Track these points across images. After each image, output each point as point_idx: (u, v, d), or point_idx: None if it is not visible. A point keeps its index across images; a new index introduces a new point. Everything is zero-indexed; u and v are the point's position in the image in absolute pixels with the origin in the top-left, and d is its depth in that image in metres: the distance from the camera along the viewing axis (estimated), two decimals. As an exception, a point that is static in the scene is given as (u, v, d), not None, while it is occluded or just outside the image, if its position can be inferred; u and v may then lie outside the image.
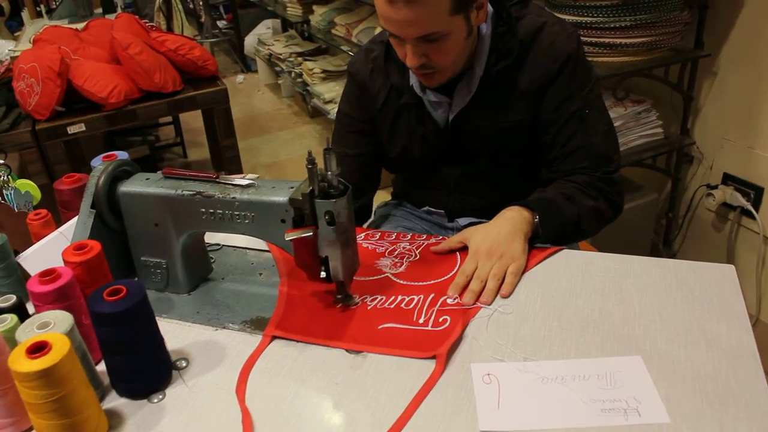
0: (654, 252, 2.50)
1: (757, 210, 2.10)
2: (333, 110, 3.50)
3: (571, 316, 0.99)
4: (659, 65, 2.10)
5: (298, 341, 0.98)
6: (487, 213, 1.40)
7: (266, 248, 1.22)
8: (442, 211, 1.45)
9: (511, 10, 1.23)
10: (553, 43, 1.21)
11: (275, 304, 1.07)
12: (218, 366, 0.95)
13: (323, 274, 0.99)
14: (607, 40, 1.95)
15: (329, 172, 0.93)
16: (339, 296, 1.04)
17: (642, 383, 0.85)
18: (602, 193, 1.25)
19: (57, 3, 3.94)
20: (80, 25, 3.03)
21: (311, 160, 0.92)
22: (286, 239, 0.95)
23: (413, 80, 1.28)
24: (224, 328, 1.03)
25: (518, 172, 1.35)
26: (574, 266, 1.11)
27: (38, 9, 4.07)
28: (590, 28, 1.94)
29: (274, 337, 0.99)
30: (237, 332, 1.02)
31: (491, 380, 0.87)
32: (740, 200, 2.13)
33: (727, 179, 2.19)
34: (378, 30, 3.03)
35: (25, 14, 4.03)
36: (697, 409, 0.80)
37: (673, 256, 2.50)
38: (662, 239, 2.50)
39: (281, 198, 0.97)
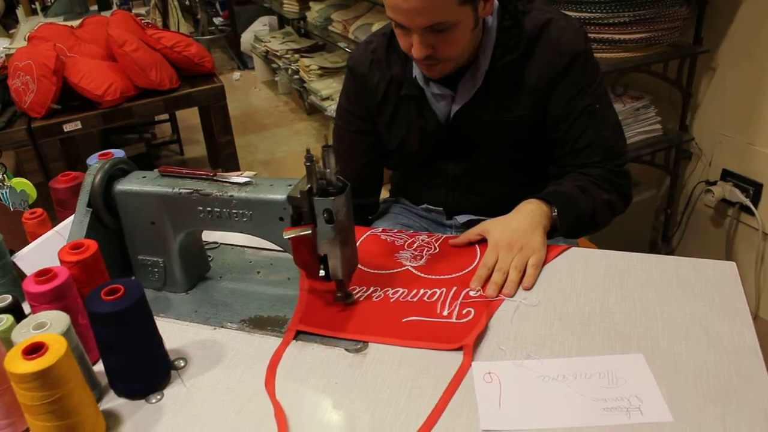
0: (653, 248, 2.50)
1: (756, 206, 2.09)
2: (330, 107, 3.48)
3: (571, 314, 0.98)
4: (658, 61, 2.09)
5: (321, 335, 0.97)
6: (486, 210, 1.40)
7: (264, 246, 1.21)
8: (441, 208, 1.45)
9: (517, 5, 1.22)
10: (560, 39, 1.21)
11: (274, 303, 1.06)
12: (217, 365, 0.94)
13: (322, 273, 0.99)
14: (605, 36, 1.95)
15: (328, 170, 0.92)
16: (338, 294, 1.03)
17: (644, 381, 0.84)
18: (614, 185, 1.25)
19: (52, 0, 3.93)
20: (75, 23, 3.02)
21: (310, 158, 0.91)
22: (285, 237, 0.94)
23: (416, 72, 1.27)
24: (222, 327, 1.02)
25: (518, 169, 1.35)
26: (575, 263, 1.10)
27: (33, 6, 4.06)
28: (589, 24, 1.93)
29: (299, 332, 0.98)
30: (235, 331, 1.01)
31: (492, 379, 0.86)
32: (739, 196, 2.12)
33: (726, 175, 2.18)
34: (375, 26, 3.02)
35: (20, 11, 4.01)
36: (699, 407, 0.80)
37: (671, 252, 2.50)
38: (661, 235, 2.50)
39: (279, 196, 0.96)
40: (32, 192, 1.39)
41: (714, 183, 2.21)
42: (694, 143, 2.28)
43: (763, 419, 0.78)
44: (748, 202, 2.10)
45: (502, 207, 1.36)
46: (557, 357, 0.90)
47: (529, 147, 1.31)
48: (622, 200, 1.28)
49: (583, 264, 1.10)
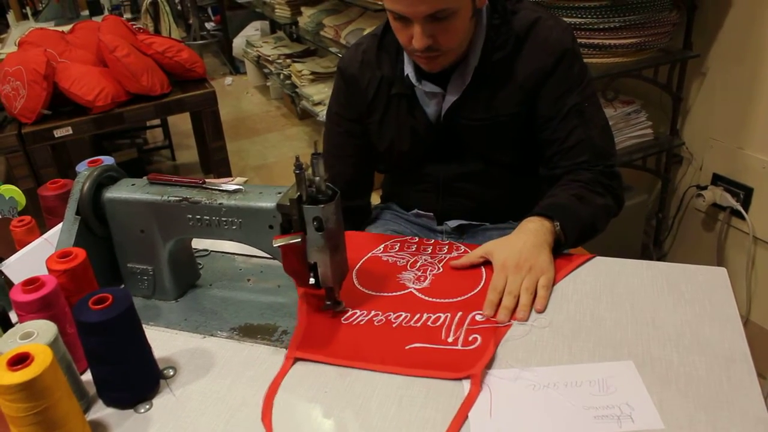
0: (644, 253, 2.50)
1: (746, 210, 2.10)
2: (322, 112, 3.48)
3: (562, 321, 0.98)
4: (648, 66, 2.10)
5: (320, 362, 0.94)
6: (476, 215, 1.39)
7: (254, 254, 1.20)
8: (431, 213, 1.44)
9: (506, 4, 1.23)
10: (548, 38, 1.21)
11: (264, 311, 1.06)
12: (206, 375, 0.93)
13: (312, 281, 0.98)
14: (596, 41, 1.95)
15: (317, 177, 0.92)
16: (328, 302, 1.03)
17: (635, 389, 0.84)
18: (607, 188, 1.24)
19: (43, 5, 3.91)
20: (66, 28, 3.01)
21: (299, 166, 0.90)
22: (274, 246, 0.94)
23: (408, 69, 1.27)
24: (212, 335, 1.01)
25: (509, 172, 1.34)
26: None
27: (24, 11, 4.04)
28: (579, 29, 1.94)
29: (297, 359, 0.95)
30: (225, 340, 1.00)
31: (483, 388, 0.86)
32: (730, 201, 2.13)
33: (717, 180, 2.19)
34: (366, 31, 3.02)
35: (10, 16, 4.00)
36: (690, 414, 0.80)
37: (663, 256, 2.50)
38: (652, 240, 2.50)
39: (269, 204, 0.96)
40: (21, 199, 1.38)
41: (705, 187, 2.21)
42: (685, 148, 2.29)
43: (754, 426, 0.78)
44: (738, 207, 2.11)
45: (492, 212, 1.36)
46: (548, 365, 0.89)
47: (519, 148, 1.31)
48: (616, 203, 1.26)
49: (574, 270, 1.10)
